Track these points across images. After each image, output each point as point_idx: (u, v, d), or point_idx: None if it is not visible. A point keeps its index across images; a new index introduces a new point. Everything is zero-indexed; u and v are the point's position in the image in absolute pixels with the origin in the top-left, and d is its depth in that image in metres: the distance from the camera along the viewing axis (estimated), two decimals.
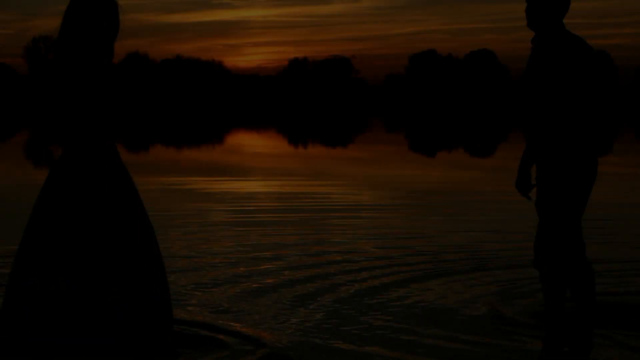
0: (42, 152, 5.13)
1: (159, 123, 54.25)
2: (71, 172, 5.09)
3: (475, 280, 7.61)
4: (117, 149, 5.21)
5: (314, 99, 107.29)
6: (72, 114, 5.07)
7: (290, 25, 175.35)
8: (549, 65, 5.78)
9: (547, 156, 5.85)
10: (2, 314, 5.10)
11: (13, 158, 25.62)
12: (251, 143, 35.75)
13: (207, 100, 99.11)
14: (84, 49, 5.11)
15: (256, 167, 22.44)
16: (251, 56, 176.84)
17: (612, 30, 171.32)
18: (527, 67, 5.95)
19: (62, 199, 5.05)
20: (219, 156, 26.01)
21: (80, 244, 5.00)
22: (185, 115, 71.56)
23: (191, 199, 14.67)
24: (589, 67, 5.77)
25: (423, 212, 12.57)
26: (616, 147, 32.32)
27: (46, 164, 4.46)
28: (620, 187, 16.48)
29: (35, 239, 5.05)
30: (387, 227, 10.97)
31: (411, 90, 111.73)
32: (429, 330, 5.93)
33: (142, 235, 5.13)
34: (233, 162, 24.08)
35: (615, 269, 8.15)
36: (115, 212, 5.07)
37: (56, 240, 5.01)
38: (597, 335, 5.87)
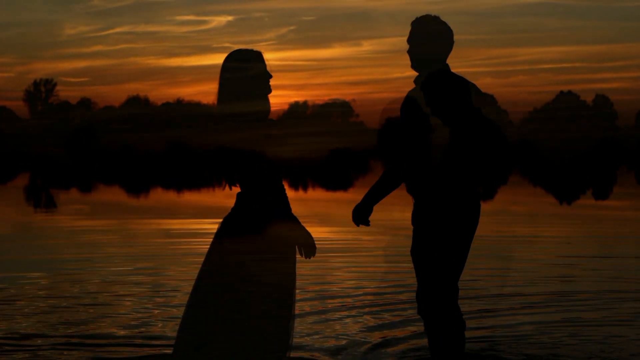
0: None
1: (160, 166, 54.31)
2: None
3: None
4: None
5: (314, 142, 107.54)
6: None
7: (290, 68, 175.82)
8: (434, 107, 5.56)
9: (425, 196, 5.64)
10: None
11: (13, 201, 25.69)
12: None
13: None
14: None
15: None
16: None
17: (612, 74, 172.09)
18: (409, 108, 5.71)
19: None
20: (220, 200, 26.04)
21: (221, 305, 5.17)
22: (186, 158, 71.63)
23: (188, 240, 14.68)
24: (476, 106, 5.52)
25: None
26: (616, 191, 32.35)
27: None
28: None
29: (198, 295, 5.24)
30: (387, 269, 11.03)
31: None
32: None
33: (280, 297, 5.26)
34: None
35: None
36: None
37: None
38: None
